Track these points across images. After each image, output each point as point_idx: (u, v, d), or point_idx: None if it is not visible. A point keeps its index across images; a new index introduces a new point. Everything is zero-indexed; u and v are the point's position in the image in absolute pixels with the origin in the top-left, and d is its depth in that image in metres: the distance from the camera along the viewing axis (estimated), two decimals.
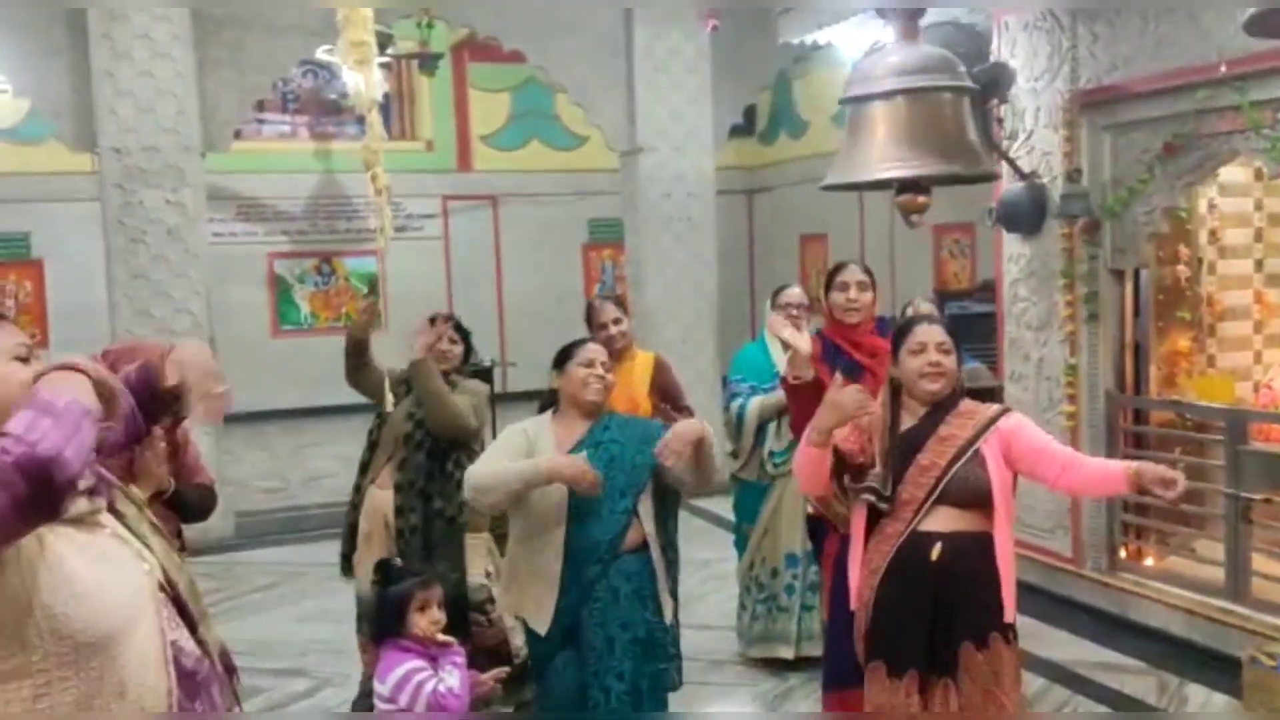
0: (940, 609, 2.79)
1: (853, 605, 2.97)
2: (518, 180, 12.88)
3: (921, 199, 3.58)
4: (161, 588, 1.77)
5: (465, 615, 3.94)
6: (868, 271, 3.98)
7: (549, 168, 12.97)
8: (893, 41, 3.64)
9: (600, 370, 3.28)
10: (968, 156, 3.52)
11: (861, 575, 2.91)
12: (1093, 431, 5.39)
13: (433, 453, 4.03)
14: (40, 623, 1.56)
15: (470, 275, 12.83)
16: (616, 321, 4.43)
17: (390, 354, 4.28)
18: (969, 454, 2.83)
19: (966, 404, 2.96)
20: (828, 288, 3.99)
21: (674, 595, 3.87)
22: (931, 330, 2.95)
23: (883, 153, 3.52)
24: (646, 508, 3.24)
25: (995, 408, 2.95)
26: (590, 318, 4.48)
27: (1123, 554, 5.37)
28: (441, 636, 3.07)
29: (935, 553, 2.79)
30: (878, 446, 2.92)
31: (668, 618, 3.31)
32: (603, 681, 3.12)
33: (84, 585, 1.61)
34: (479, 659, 3.93)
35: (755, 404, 4.54)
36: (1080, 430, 5.42)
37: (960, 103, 3.57)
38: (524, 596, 3.23)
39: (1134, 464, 2.80)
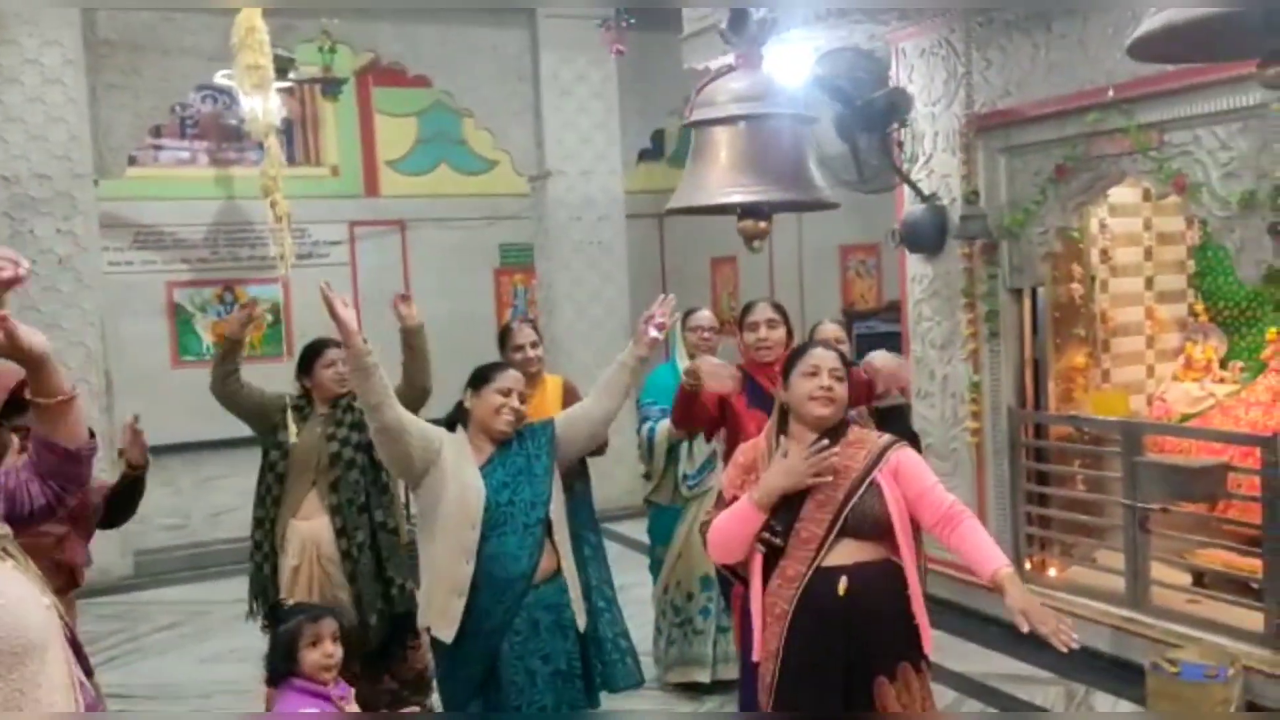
0: (853, 645, 2.71)
1: (755, 656, 2.84)
2: (426, 205, 12.78)
3: (762, 224, 3.62)
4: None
5: (408, 633, 3.94)
6: (778, 308, 4.08)
7: (458, 192, 12.90)
8: (737, 67, 3.69)
9: (515, 401, 3.27)
10: (806, 184, 3.59)
11: (764, 623, 2.80)
12: (996, 446, 5.52)
13: (366, 468, 4.01)
14: None
15: (378, 302, 12.48)
16: (534, 345, 4.43)
17: (288, 381, 4.20)
18: (865, 485, 2.76)
19: (855, 432, 2.90)
20: (741, 327, 4.06)
21: (610, 585, 4.00)
22: (827, 355, 2.90)
23: (724, 178, 3.55)
24: (559, 515, 3.28)
25: (886, 438, 2.88)
26: (505, 340, 4.46)
27: (1028, 566, 5.50)
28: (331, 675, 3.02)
29: (842, 587, 2.70)
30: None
31: (583, 624, 3.29)
32: (524, 715, 3.09)
33: (5, 597, 1.66)
34: (404, 691, 3.90)
35: (665, 427, 4.54)
36: (984, 445, 5.55)
37: (800, 131, 3.64)
38: (430, 605, 3.18)
39: (1006, 573, 2.64)
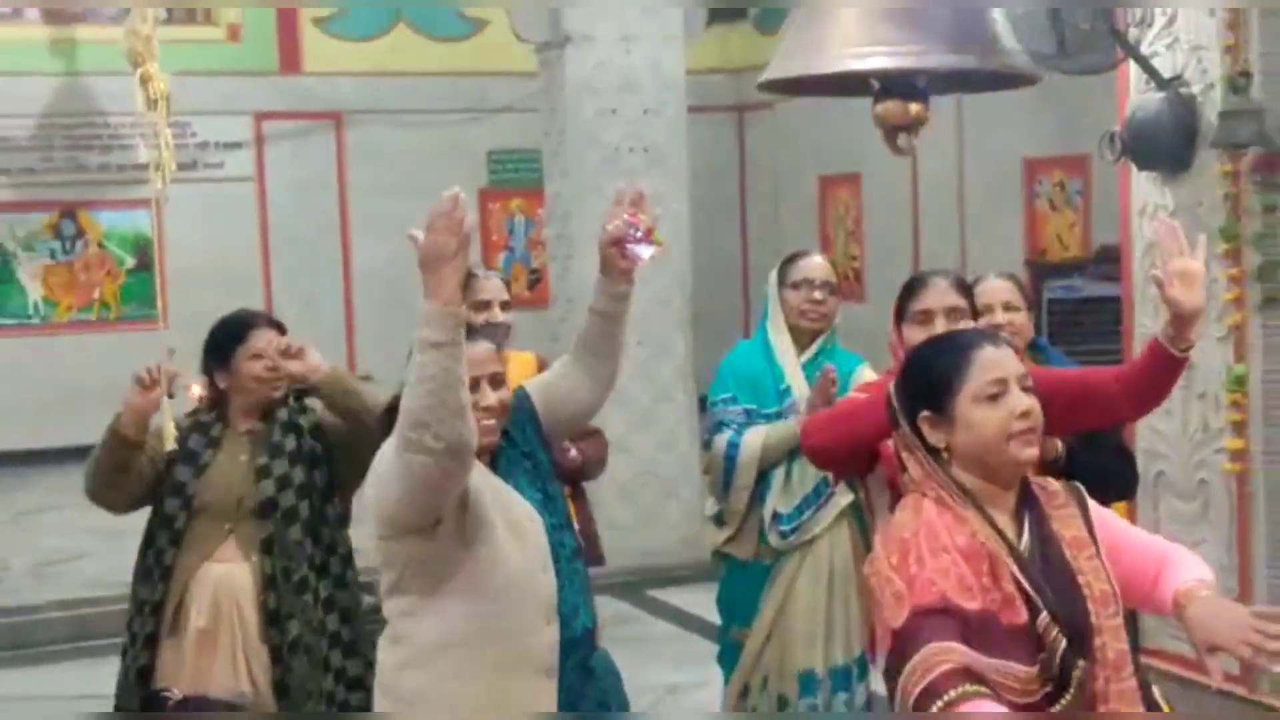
0: None
1: None
2: (374, 89, 12.82)
3: (914, 108, 3.52)
4: None
5: None
6: (961, 285, 3.83)
7: (424, 69, 12.93)
8: None
9: (489, 395, 3.23)
10: (988, 45, 3.46)
11: None
12: (1271, 480, 5.46)
13: (312, 522, 4.09)
14: None
15: (299, 238, 12.74)
16: (505, 306, 4.50)
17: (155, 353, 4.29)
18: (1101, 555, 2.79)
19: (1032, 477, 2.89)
20: (899, 315, 3.80)
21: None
22: (1001, 355, 2.70)
23: (854, 32, 3.47)
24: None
25: (1053, 482, 2.89)
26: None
27: None
28: None
29: None
30: (1018, 582, 2.63)
31: None
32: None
33: None
34: None
35: (754, 439, 4.57)
36: (1252, 477, 5.48)
37: None
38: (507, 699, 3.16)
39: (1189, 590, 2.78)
